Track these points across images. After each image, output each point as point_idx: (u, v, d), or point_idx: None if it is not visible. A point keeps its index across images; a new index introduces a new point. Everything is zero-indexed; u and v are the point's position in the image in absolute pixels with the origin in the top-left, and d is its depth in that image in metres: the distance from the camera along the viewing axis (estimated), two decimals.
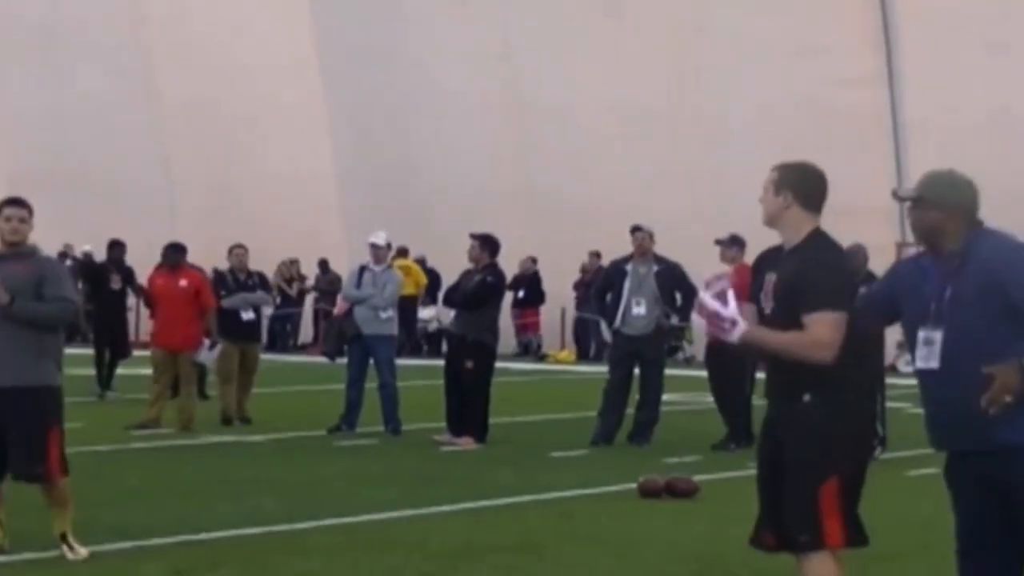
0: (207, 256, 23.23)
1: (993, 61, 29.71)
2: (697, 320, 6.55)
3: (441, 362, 17.66)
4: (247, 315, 18.50)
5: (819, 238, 6.47)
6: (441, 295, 22.27)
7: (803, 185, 6.49)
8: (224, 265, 19.59)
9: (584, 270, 33.02)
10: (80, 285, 21.70)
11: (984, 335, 5.88)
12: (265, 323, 25.43)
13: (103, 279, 21.88)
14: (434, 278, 32.62)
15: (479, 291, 16.49)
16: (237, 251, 19.18)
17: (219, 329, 17.80)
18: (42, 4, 37.19)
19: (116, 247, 22.11)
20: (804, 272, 6.35)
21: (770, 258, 6.63)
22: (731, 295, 6.41)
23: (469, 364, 16.34)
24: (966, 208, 6.11)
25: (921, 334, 6.01)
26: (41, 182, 36.55)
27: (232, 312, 18.29)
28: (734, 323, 6.35)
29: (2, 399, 9.12)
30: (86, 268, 23.60)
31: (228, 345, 18.15)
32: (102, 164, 35.45)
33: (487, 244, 16.78)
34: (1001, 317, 5.87)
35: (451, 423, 16.42)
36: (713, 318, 6.39)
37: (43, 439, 9.20)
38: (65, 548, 9.17)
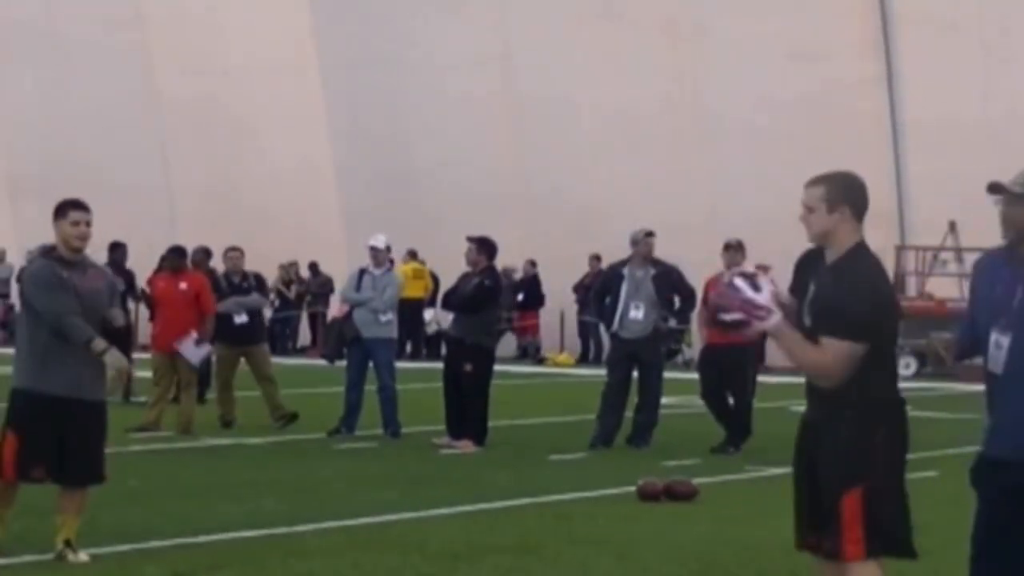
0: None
1: (992, 63, 29.75)
2: (719, 301, 6.26)
3: (440, 365, 17.66)
4: (239, 318, 18.17)
5: (860, 255, 6.27)
6: (440, 298, 22.19)
7: (856, 198, 6.29)
8: (221, 267, 19.47)
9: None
10: None
11: None
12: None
13: None
14: (433, 281, 32.61)
15: (477, 294, 16.49)
16: (232, 254, 18.96)
17: (215, 334, 17.71)
18: (41, 4, 37.19)
19: (117, 249, 21.56)
20: (839, 294, 6.18)
21: (812, 263, 6.43)
22: (765, 281, 6.21)
23: (468, 367, 16.34)
24: None
25: (992, 336, 5.88)
26: (40, 183, 36.55)
27: (226, 316, 18.12)
28: (769, 311, 6.18)
29: (87, 410, 9.20)
30: None
31: (226, 350, 18.06)
32: (102, 165, 35.43)
33: (484, 247, 16.78)
34: None
35: (451, 426, 16.42)
36: (747, 305, 6.18)
37: (103, 444, 9.39)
38: (68, 553, 9.18)
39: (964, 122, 29.42)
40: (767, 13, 30.67)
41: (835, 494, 6.21)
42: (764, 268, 16.01)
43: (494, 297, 16.83)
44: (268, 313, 24.96)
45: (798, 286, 6.44)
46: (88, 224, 9.29)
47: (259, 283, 19.27)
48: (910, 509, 6.32)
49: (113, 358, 9.13)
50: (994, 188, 5.99)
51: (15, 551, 9.29)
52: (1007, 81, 29.66)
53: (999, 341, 5.87)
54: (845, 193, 6.25)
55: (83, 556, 9.19)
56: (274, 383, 18.07)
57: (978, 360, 6.08)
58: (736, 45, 30.95)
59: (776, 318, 6.18)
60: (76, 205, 9.32)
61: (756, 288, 6.19)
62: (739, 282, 6.20)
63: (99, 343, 9.12)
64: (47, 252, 9.46)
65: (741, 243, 16.60)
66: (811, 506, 6.38)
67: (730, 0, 31.21)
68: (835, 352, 6.14)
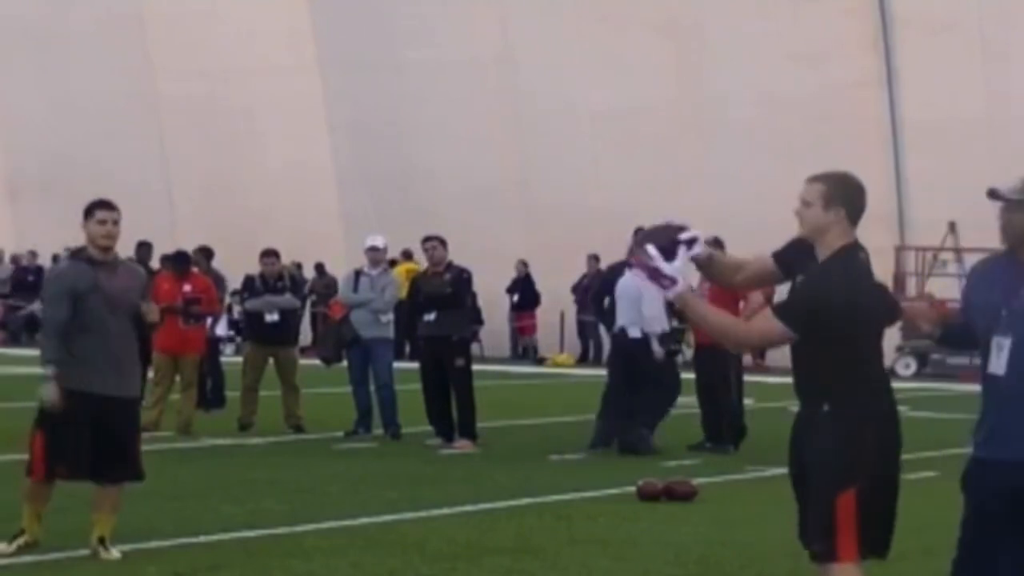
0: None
1: (991, 64, 29.76)
2: (635, 270, 6.44)
3: None
4: (270, 317, 17.84)
5: (845, 258, 6.22)
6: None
7: (854, 201, 6.26)
8: (225, 268, 19.38)
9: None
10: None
11: None
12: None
13: None
14: None
15: (462, 288, 16.61)
16: (267, 260, 18.38)
17: (245, 332, 17.56)
18: (42, 4, 37.20)
19: (143, 248, 21.09)
20: (806, 285, 6.23)
21: (808, 253, 6.36)
22: (682, 252, 6.32)
23: (461, 362, 16.38)
24: None
25: (994, 339, 5.86)
26: (40, 182, 36.55)
27: (257, 314, 17.98)
28: (673, 281, 6.26)
29: (123, 408, 9.23)
30: None
31: (255, 349, 17.91)
32: (101, 164, 35.44)
33: (445, 244, 16.95)
34: None
35: (443, 429, 16.40)
36: (655, 273, 6.29)
37: (137, 441, 9.47)
38: (101, 550, 9.24)
39: (964, 122, 29.43)
40: (767, 13, 30.69)
41: (828, 496, 6.19)
42: (719, 242, 16.09)
43: (471, 288, 16.99)
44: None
45: (787, 259, 6.43)
46: (115, 223, 9.27)
47: (294, 284, 18.70)
48: (896, 512, 6.33)
49: (45, 392, 9.06)
50: (993, 195, 5.98)
51: (16, 551, 9.30)
52: (1007, 81, 29.66)
53: (1000, 343, 5.86)
54: (844, 194, 6.23)
55: (115, 552, 9.28)
56: (297, 392, 17.72)
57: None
58: (736, 45, 30.97)
59: (677, 289, 6.26)
60: (103, 205, 9.30)
61: (671, 255, 6.30)
62: (652, 251, 6.32)
63: (48, 371, 9.06)
64: (75, 253, 9.43)
65: (718, 240, 16.60)
66: (801, 508, 6.39)
67: (730, 0, 31.22)
68: (759, 324, 6.28)
